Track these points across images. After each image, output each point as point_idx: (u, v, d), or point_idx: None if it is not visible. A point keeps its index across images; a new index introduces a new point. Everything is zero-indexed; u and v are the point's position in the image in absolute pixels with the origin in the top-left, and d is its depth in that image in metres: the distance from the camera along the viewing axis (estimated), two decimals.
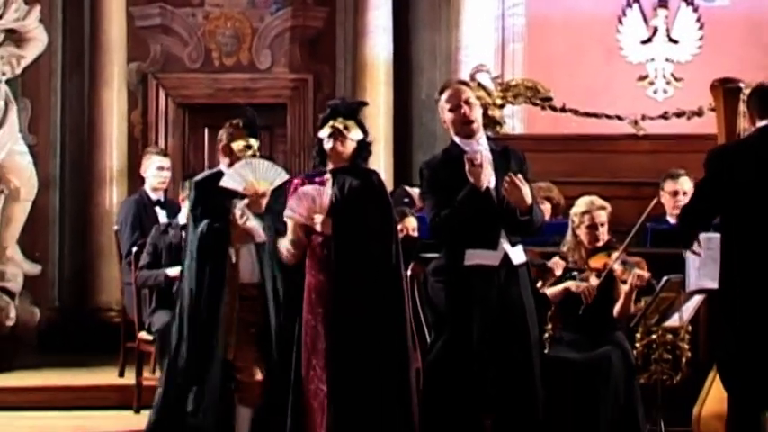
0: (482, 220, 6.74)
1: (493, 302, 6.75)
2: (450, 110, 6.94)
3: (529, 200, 6.73)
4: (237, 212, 7.15)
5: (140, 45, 12.66)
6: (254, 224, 7.17)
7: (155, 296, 9.15)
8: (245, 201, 7.19)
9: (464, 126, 6.92)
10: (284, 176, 7.32)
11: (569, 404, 7.43)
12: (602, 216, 7.83)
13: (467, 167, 6.70)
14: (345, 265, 6.90)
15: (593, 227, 7.80)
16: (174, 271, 8.85)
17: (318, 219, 6.91)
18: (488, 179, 6.74)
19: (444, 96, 7.04)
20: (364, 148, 7.14)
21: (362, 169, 7.12)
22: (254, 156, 7.40)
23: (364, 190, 6.99)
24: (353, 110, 7.23)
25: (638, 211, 8.91)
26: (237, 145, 7.42)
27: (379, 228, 6.93)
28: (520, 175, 6.73)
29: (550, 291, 7.69)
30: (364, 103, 7.74)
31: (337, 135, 7.02)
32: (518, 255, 6.87)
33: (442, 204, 6.81)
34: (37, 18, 10.83)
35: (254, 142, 7.46)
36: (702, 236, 7.07)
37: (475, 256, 6.76)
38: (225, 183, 7.21)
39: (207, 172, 7.93)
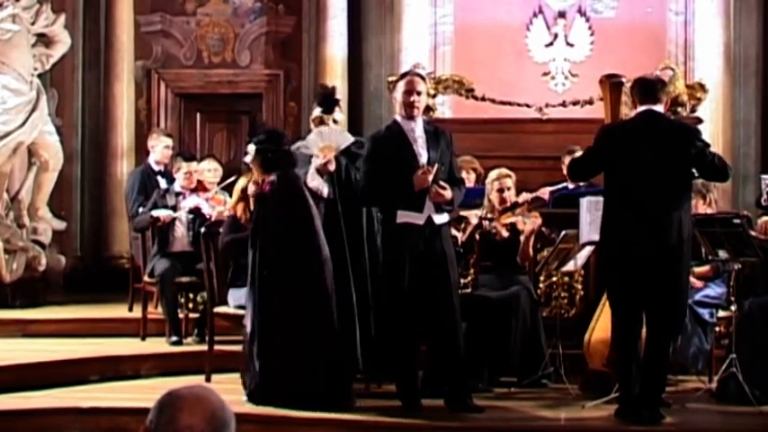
0: (412, 191, 6.72)
1: (420, 252, 6.75)
2: (404, 93, 6.88)
3: (449, 197, 6.78)
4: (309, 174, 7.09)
5: (145, 46, 12.55)
6: (316, 184, 7.09)
7: (155, 246, 9.07)
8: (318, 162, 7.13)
9: (409, 109, 6.88)
10: (350, 139, 7.30)
11: (488, 332, 7.45)
12: (508, 182, 7.95)
13: (418, 172, 6.70)
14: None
15: (500, 190, 7.93)
16: (158, 212, 8.97)
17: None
18: (425, 186, 6.70)
19: (403, 81, 6.98)
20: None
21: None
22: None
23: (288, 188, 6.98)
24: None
25: (542, 180, 8.97)
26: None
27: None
28: (444, 183, 6.75)
29: (465, 234, 7.81)
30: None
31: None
32: (440, 217, 6.86)
33: (375, 175, 6.79)
34: (62, 24, 10.70)
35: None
36: (593, 199, 7.11)
37: (404, 216, 6.76)
38: (299, 148, 7.22)
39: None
